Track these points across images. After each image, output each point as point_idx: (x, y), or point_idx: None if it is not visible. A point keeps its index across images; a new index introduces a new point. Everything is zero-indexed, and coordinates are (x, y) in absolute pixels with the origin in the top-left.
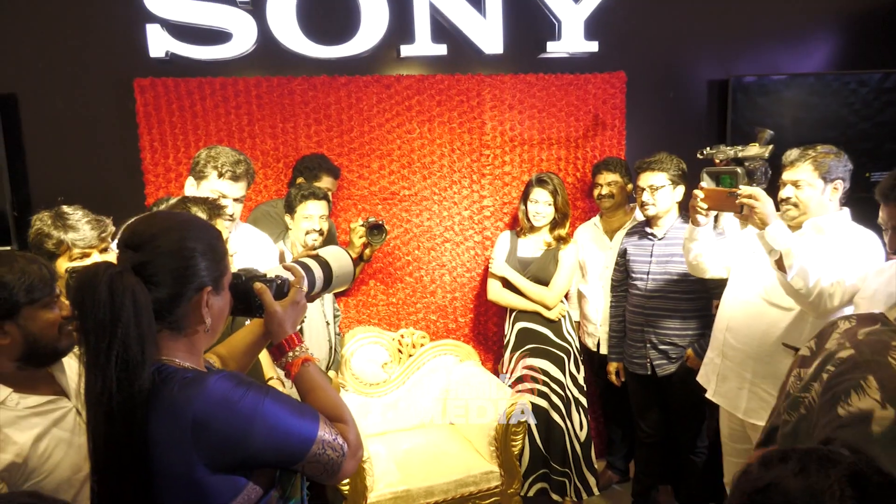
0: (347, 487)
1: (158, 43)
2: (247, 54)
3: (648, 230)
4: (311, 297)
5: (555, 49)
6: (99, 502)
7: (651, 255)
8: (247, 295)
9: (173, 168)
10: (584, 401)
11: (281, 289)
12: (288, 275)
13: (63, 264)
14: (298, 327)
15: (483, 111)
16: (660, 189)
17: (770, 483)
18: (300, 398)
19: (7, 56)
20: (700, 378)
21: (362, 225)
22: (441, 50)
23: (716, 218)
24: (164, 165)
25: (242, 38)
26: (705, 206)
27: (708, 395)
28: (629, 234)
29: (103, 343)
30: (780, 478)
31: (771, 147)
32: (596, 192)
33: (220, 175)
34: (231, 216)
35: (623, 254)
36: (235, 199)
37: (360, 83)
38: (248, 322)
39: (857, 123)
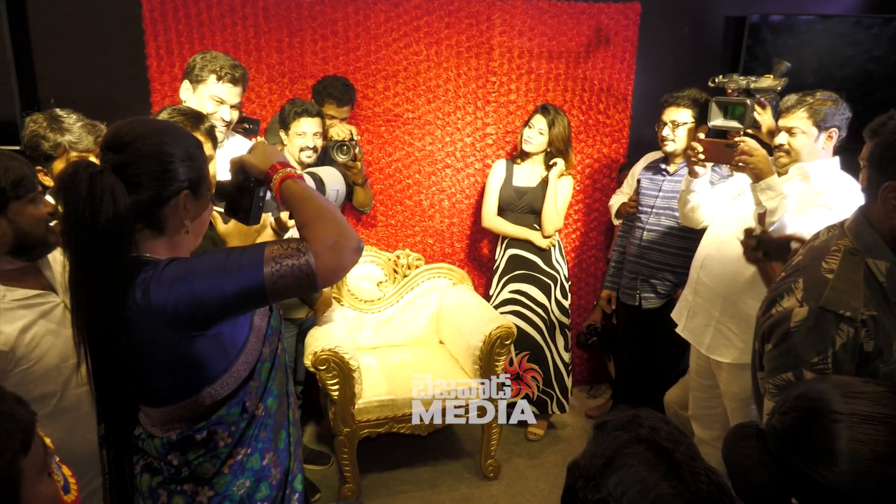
0: (337, 393)
1: None
2: None
3: (663, 166)
4: None
5: None
6: (95, 388)
7: (660, 190)
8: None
9: (179, 77)
10: (568, 324)
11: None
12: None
13: (60, 167)
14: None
15: (492, 35)
16: (682, 126)
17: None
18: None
19: None
20: (673, 314)
21: (332, 145)
22: None
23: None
24: (171, 74)
25: None
26: (703, 157)
27: (678, 330)
28: (646, 168)
29: (82, 236)
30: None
31: (785, 80)
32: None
33: (220, 78)
34: (228, 123)
35: (637, 187)
36: (232, 106)
37: (368, 0)
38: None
39: (876, 70)
